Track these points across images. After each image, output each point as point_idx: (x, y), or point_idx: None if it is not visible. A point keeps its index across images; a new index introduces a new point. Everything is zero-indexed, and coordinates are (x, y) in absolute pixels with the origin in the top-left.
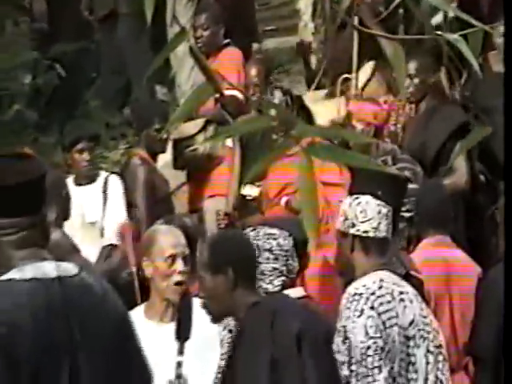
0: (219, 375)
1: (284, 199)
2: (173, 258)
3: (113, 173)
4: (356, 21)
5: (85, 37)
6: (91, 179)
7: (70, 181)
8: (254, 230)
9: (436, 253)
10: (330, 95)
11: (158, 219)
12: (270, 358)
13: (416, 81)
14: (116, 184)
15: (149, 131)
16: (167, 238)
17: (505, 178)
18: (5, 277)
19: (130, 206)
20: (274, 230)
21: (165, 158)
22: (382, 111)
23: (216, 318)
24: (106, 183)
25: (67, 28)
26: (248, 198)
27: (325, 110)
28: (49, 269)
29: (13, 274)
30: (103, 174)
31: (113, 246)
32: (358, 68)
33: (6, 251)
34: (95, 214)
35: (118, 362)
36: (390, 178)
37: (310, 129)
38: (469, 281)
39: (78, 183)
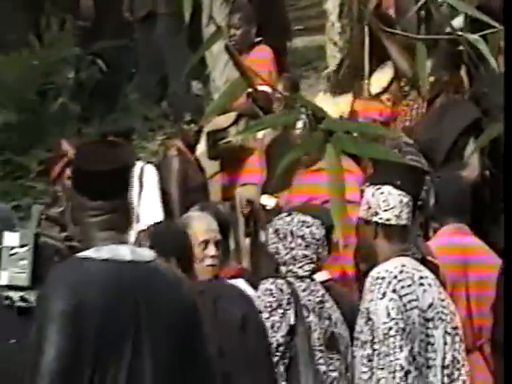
0: None
1: None
2: (206, 243)
3: (148, 162)
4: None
5: (125, 35)
6: None
7: None
8: (289, 215)
9: (454, 239)
10: (340, 93)
11: (192, 206)
12: (217, 344)
13: (431, 79)
14: (151, 173)
15: (182, 123)
16: (201, 224)
17: (505, 179)
18: (83, 254)
19: (165, 193)
20: (308, 218)
21: (201, 149)
22: (386, 108)
23: None
24: (141, 172)
25: (109, 26)
26: (266, 207)
27: (334, 107)
28: (124, 252)
29: (90, 253)
30: (139, 164)
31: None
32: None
33: (90, 232)
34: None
35: (182, 349)
36: (409, 169)
37: (336, 123)
38: (485, 267)
39: None
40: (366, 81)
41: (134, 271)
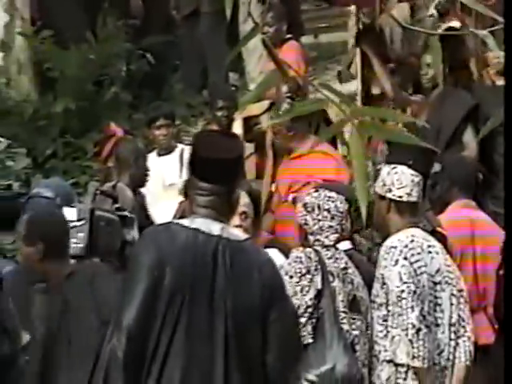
0: None
1: (291, 196)
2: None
3: (188, 144)
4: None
5: (170, 31)
6: (169, 150)
7: (154, 153)
8: (317, 191)
9: (463, 213)
10: None
11: None
12: (99, 321)
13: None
14: None
15: (218, 110)
16: None
17: (505, 178)
18: (177, 221)
19: None
20: (333, 194)
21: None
22: None
23: (30, 283)
24: (182, 153)
25: (156, 24)
26: None
27: None
28: (215, 228)
29: (184, 221)
30: (180, 146)
31: None
32: None
33: (193, 206)
34: (173, 177)
35: (253, 324)
36: (421, 151)
37: (361, 109)
38: (490, 239)
39: (159, 154)
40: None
41: (217, 244)
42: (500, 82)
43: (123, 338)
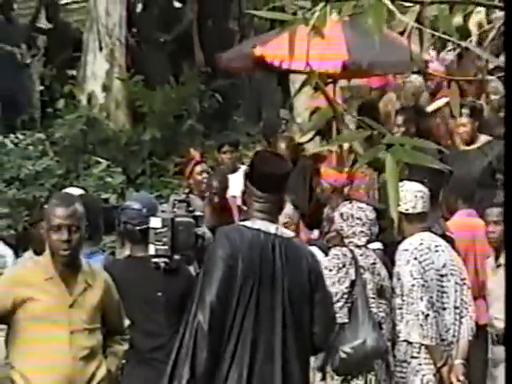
0: None
1: None
2: None
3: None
4: None
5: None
6: (234, 170)
7: None
8: (350, 203)
9: (466, 220)
10: None
11: None
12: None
13: None
14: None
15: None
16: None
17: (505, 178)
18: (242, 223)
19: None
20: (363, 205)
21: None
22: None
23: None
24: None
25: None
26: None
27: None
28: (271, 228)
29: (247, 223)
30: (243, 167)
31: None
32: None
33: (252, 211)
34: (237, 191)
35: (304, 303)
36: (436, 171)
37: (394, 138)
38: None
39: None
40: None
41: (274, 240)
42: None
43: (207, 312)
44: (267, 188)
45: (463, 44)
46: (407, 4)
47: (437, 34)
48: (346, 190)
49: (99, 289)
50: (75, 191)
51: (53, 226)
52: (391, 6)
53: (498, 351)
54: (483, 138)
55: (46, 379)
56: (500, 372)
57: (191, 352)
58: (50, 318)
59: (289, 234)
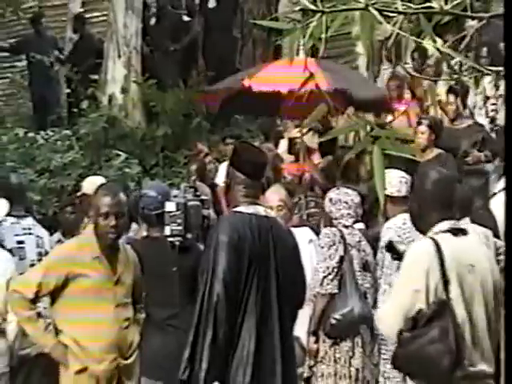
0: None
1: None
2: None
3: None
4: None
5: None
6: None
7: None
8: (338, 189)
9: None
10: None
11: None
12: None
13: None
14: None
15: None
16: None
17: (505, 178)
18: (237, 209)
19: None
20: (349, 190)
21: (282, 148)
22: None
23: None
24: None
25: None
26: None
27: None
28: (260, 210)
29: (241, 209)
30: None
31: None
32: None
33: (238, 196)
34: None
35: (291, 271)
36: (412, 160)
37: (381, 131)
38: None
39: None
40: None
41: (266, 221)
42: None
43: (222, 287)
44: (253, 174)
45: (441, 49)
46: (391, 14)
47: (418, 40)
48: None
49: (133, 266)
50: (97, 180)
51: (101, 214)
52: (379, 17)
53: None
54: (435, 151)
55: (95, 346)
56: None
57: (212, 324)
58: (98, 292)
59: (271, 213)
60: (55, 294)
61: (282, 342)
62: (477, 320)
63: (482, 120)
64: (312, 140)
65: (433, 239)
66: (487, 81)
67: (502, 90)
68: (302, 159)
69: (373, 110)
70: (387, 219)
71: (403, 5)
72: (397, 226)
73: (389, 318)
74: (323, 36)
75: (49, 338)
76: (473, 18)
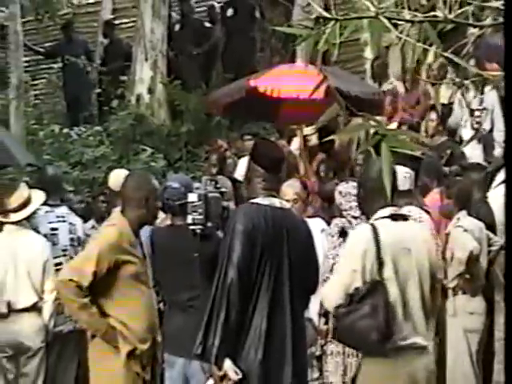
0: None
1: None
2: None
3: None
4: None
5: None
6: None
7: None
8: (347, 183)
9: (438, 197)
10: None
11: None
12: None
13: None
14: None
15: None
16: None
17: (506, 177)
18: (254, 201)
19: None
20: (356, 183)
21: (295, 145)
22: None
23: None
24: None
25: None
26: None
27: None
28: (275, 202)
29: (258, 200)
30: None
31: None
32: None
33: (257, 189)
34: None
35: (304, 258)
36: (418, 158)
37: (388, 130)
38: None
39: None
40: None
41: (281, 212)
42: None
43: (235, 272)
44: (272, 168)
45: (445, 54)
46: (399, 22)
47: (423, 45)
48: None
49: None
50: (122, 172)
51: (132, 201)
52: (388, 24)
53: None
54: (443, 138)
55: (141, 327)
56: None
57: (225, 305)
58: (139, 276)
59: (287, 205)
60: (104, 281)
61: (292, 324)
62: (410, 298)
63: (468, 132)
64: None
65: (372, 224)
66: (472, 95)
67: (484, 104)
68: (302, 171)
69: (366, 108)
70: None
71: (410, 13)
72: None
73: (330, 294)
74: (337, 42)
75: (102, 322)
76: (474, 26)
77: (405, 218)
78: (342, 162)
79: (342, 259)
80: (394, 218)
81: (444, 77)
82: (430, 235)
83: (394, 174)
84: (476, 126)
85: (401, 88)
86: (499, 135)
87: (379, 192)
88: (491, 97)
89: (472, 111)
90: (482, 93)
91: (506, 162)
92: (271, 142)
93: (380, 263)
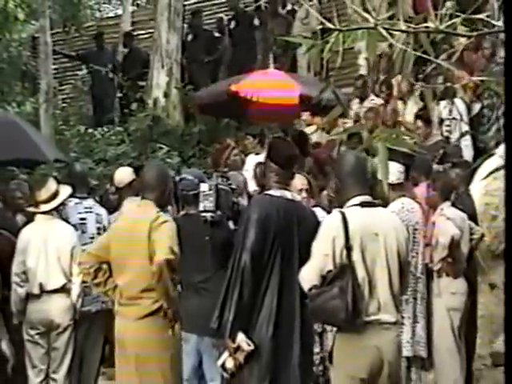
0: None
1: None
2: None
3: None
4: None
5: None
6: (257, 153)
7: (252, 155)
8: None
9: (426, 188)
10: None
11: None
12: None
13: None
14: None
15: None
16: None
17: (506, 177)
18: (267, 192)
19: None
20: None
21: None
22: None
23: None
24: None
25: None
26: None
27: None
28: (287, 194)
29: (271, 192)
30: (264, 151)
31: None
32: None
33: (271, 183)
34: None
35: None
36: (409, 154)
37: (384, 130)
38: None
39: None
40: None
41: (292, 204)
42: None
43: (249, 256)
44: (284, 165)
45: (437, 61)
46: (395, 33)
47: (417, 53)
48: None
49: None
50: (128, 170)
51: (160, 186)
52: (385, 33)
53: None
54: (436, 138)
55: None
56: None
57: (239, 285)
58: None
59: (297, 197)
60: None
61: (301, 304)
62: (377, 279)
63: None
64: (320, 136)
65: (341, 212)
66: (443, 105)
67: (454, 114)
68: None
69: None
70: (387, 204)
71: (405, 25)
72: (397, 209)
73: (306, 276)
74: (340, 50)
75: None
76: (462, 36)
77: (375, 205)
78: (323, 161)
79: (316, 244)
80: (364, 205)
81: (411, 92)
82: (399, 222)
83: (365, 166)
84: (446, 134)
85: (379, 102)
86: (466, 140)
87: (352, 184)
88: (459, 106)
89: (442, 120)
90: (453, 103)
91: (506, 158)
92: (285, 140)
93: (348, 248)
